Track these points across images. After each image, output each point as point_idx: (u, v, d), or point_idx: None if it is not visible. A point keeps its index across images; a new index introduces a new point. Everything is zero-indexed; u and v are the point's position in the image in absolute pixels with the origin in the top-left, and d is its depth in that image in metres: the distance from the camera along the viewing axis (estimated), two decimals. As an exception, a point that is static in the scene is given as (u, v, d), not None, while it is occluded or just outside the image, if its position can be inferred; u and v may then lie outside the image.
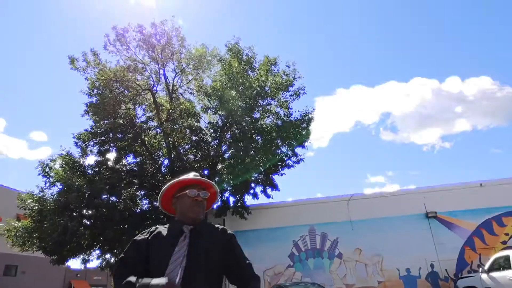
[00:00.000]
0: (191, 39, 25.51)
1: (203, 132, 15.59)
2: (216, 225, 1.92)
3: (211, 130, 15.66)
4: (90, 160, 14.89)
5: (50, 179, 13.35)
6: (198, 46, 15.16)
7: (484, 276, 10.39)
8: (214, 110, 15.28)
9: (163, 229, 1.81)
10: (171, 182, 1.91)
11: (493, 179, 14.64)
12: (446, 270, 13.49)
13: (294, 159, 14.79)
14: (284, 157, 14.47)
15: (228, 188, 14.19)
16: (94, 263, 15.61)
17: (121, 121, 14.88)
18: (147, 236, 1.78)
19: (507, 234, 13.52)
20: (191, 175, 1.94)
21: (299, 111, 14.94)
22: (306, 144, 14.76)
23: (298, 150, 14.92)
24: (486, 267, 10.54)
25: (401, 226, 14.22)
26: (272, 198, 14.89)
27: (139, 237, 1.80)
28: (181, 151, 15.43)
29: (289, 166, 14.75)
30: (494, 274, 10.10)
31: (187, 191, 1.83)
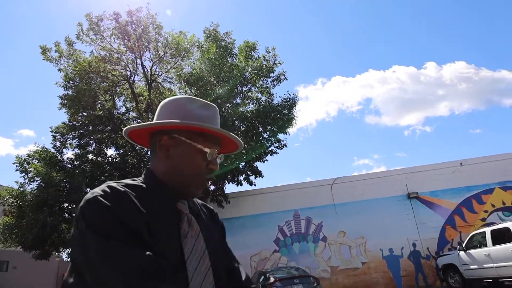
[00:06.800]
0: (169, 27, 24.92)
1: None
2: (199, 201, 1.24)
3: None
4: (71, 154, 14.73)
5: (29, 174, 13.20)
6: (175, 34, 14.81)
7: (462, 253, 10.61)
8: (194, 98, 15.05)
9: (133, 196, 0.93)
10: (173, 120, 1.03)
11: (472, 157, 14.79)
12: (427, 248, 13.73)
13: (277, 145, 14.73)
14: (267, 144, 14.37)
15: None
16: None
17: (99, 113, 14.67)
18: (134, 207, 0.90)
19: (486, 211, 13.75)
20: (210, 113, 1.09)
21: (280, 96, 14.81)
22: (289, 130, 14.64)
23: (281, 136, 14.83)
24: (464, 244, 10.76)
25: (384, 207, 14.36)
26: (255, 185, 14.86)
27: (116, 209, 0.87)
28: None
29: (272, 153, 14.68)
30: (471, 251, 10.31)
31: (205, 149, 1.04)
